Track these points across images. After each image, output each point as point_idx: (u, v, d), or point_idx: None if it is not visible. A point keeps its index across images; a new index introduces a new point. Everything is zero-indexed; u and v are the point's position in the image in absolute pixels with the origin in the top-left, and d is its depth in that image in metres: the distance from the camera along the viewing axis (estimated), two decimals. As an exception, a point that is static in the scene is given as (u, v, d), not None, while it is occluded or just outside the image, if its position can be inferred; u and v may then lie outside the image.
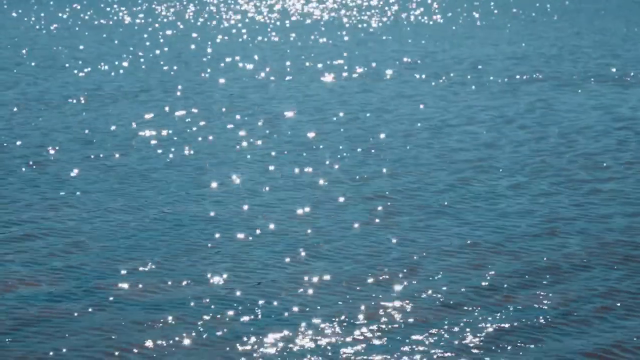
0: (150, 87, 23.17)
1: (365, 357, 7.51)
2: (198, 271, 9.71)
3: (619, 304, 8.83)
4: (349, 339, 7.92)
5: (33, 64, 27.47)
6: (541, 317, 8.47)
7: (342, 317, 8.47)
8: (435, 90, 22.64)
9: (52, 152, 15.55)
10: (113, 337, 7.93)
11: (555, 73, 25.83)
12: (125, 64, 27.59)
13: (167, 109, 20.02)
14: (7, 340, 7.86)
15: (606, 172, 14.31)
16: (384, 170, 14.41)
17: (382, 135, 17.16)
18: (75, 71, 26.08)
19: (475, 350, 7.67)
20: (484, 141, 16.67)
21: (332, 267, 9.90)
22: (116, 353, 7.59)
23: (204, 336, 7.97)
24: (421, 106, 20.37)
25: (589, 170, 14.39)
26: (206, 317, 8.40)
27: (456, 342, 7.84)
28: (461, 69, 26.64)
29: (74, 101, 20.92)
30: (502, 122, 18.51)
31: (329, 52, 30.74)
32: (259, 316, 8.44)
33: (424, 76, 25.25)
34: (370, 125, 18.16)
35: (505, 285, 9.32)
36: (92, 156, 15.32)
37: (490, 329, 8.16)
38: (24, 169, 14.30)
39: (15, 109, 19.75)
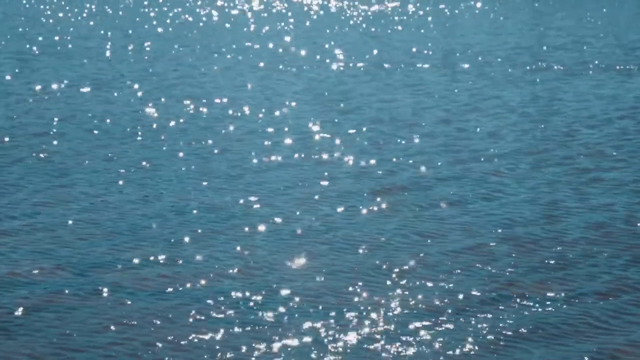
0: (155, 75, 23.21)
1: (372, 344, 7.57)
2: (204, 259, 9.77)
3: (624, 291, 8.89)
4: (356, 327, 7.98)
5: (37, 52, 27.50)
6: (546, 303, 8.53)
7: (349, 305, 8.53)
8: (439, 79, 22.67)
9: (57, 141, 15.59)
10: (121, 322, 8.00)
11: (559, 62, 25.86)
12: (130, 52, 27.62)
13: (173, 96, 20.07)
14: (16, 325, 7.93)
15: (609, 161, 14.36)
16: (389, 159, 14.46)
17: (387, 125, 17.21)
18: (80, 59, 26.12)
19: (480, 336, 7.74)
20: (488, 130, 16.72)
21: (338, 255, 9.96)
22: (124, 338, 7.66)
23: (211, 322, 8.03)
24: (425, 96, 20.42)
25: (593, 159, 14.44)
26: (213, 304, 8.47)
27: (461, 329, 7.91)
28: (465, 58, 26.68)
29: (79, 90, 20.97)
30: (505, 112, 18.56)
31: (333, 40, 30.77)
32: (266, 303, 8.50)
33: (427, 66, 25.29)
34: (375, 114, 18.21)
35: (510, 273, 9.38)
36: (98, 145, 15.36)
37: (495, 315, 8.22)
38: (29, 158, 14.35)
39: (19, 98, 19.80)
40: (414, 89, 21.28)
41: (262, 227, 10.87)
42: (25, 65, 24.82)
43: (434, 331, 7.87)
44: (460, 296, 8.72)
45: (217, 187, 12.77)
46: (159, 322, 8.00)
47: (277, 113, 18.26)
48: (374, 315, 8.21)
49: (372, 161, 14.32)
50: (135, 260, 9.67)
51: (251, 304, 8.49)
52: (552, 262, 9.70)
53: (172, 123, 17.18)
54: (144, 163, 14.03)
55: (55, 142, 15.49)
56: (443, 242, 10.38)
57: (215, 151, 14.91)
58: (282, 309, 8.33)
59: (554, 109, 18.88)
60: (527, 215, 11.41)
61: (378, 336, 7.72)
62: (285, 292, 8.76)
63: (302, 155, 14.65)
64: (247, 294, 8.77)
